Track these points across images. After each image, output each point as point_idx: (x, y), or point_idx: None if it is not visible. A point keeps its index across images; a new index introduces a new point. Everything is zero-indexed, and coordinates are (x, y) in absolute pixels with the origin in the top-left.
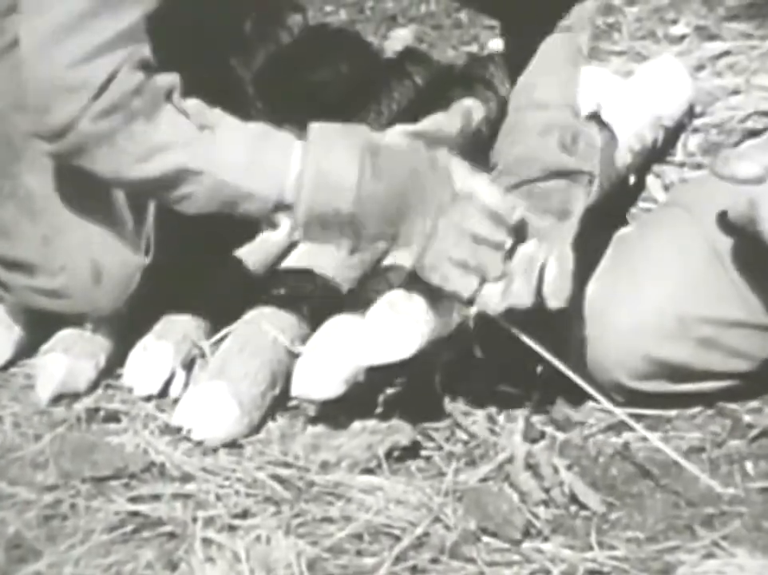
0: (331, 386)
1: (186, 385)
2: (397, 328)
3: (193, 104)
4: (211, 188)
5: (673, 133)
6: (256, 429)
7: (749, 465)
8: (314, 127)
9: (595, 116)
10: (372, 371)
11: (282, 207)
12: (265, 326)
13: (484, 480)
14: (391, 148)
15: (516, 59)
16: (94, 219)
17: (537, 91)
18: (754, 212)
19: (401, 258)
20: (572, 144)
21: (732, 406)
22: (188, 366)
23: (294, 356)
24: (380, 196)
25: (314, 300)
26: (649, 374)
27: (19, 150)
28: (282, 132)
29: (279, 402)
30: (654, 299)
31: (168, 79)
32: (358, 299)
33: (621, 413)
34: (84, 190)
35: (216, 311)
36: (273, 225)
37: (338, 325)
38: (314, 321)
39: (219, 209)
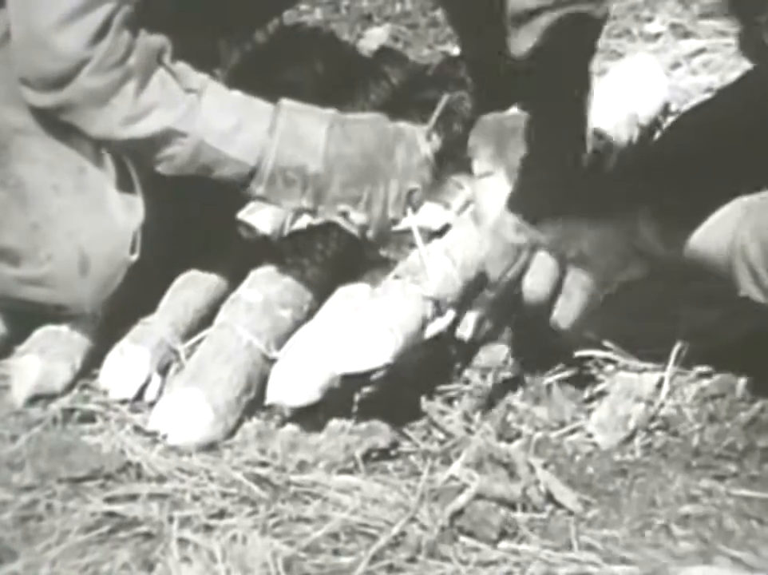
0: (307, 393)
1: (161, 389)
2: (371, 337)
3: (181, 67)
4: (194, 151)
5: (648, 131)
6: (232, 432)
7: None
8: (284, 100)
9: None
10: (347, 378)
11: (256, 173)
12: (239, 330)
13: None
14: (358, 118)
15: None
16: (85, 211)
17: None
18: None
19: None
20: None
21: None
22: (164, 370)
23: (269, 360)
24: (348, 157)
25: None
26: None
27: (6, 141)
28: (263, 103)
29: (255, 405)
30: None
31: (160, 40)
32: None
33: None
34: (76, 182)
35: (192, 314)
36: (245, 194)
37: (313, 332)
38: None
39: (197, 172)
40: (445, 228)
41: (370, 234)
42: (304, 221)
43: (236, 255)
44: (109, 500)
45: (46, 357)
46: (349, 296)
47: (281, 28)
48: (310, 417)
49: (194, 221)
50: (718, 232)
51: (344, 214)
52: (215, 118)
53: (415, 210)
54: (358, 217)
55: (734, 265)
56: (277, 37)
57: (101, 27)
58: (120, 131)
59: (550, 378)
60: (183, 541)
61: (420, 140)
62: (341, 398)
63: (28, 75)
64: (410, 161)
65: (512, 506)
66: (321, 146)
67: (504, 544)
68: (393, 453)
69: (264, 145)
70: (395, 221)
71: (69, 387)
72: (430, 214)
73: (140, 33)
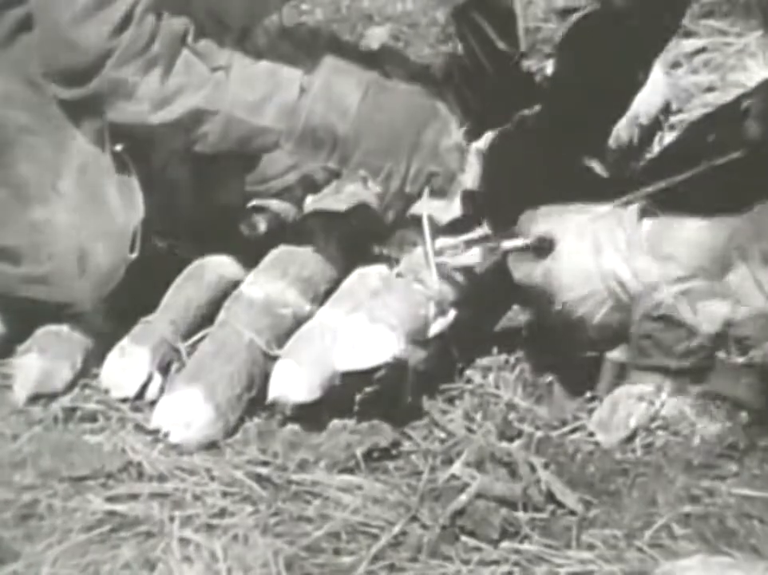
0: (308, 390)
1: (162, 388)
2: (373, 334)
3: (205, 45)
4: (224, 127)
5: (649, 131)
6: (233, 431)
7: None
8: (328, 57)
9: None
10: (348, 375)
11: (285, 131)
12: (240, 328)
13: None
14: (396, 87)
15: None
16: (85, 210)
17: None
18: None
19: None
20: None
21: None
22: (165, 369)
23: (270, 358)
24: (377, 126)
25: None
26: None
27: (14, 140)
28: (291, 69)
29: (256, 404)
30: None
31: (183, 22)
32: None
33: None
34: (76, 181)
35: (193, 312)
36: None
37: (316, 329)
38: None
39: (233, 146)
40: (452, 223)
41: (382, 203)
42: (314, 205)
43: (237, 254)
44: (110, 499)
45: (47, 356)
46: (363, 275)
47: (282, 28)
48: (312, 416)
49: (195, 220)
50: (713, 232)
51: (364, 179)
52: (243, 92)
53: (433, 195)
54: (375, 186)
55: (730, 263)
56: (278, 37)
57: (124, 18)
58: (151, 117)
59: (551, 377)
60: (184, 541)
61: (453, 126)
62: (342, 397)
63: (53, 71)
64: (438, 143)
65: (514, 506)
66: (353, 109)
67: (505, 543)
68: (394, 452)
69: (296, 106)
70: (410, 198)
71: (70, 386)
72: (437, 207)
73: (163, 17)
